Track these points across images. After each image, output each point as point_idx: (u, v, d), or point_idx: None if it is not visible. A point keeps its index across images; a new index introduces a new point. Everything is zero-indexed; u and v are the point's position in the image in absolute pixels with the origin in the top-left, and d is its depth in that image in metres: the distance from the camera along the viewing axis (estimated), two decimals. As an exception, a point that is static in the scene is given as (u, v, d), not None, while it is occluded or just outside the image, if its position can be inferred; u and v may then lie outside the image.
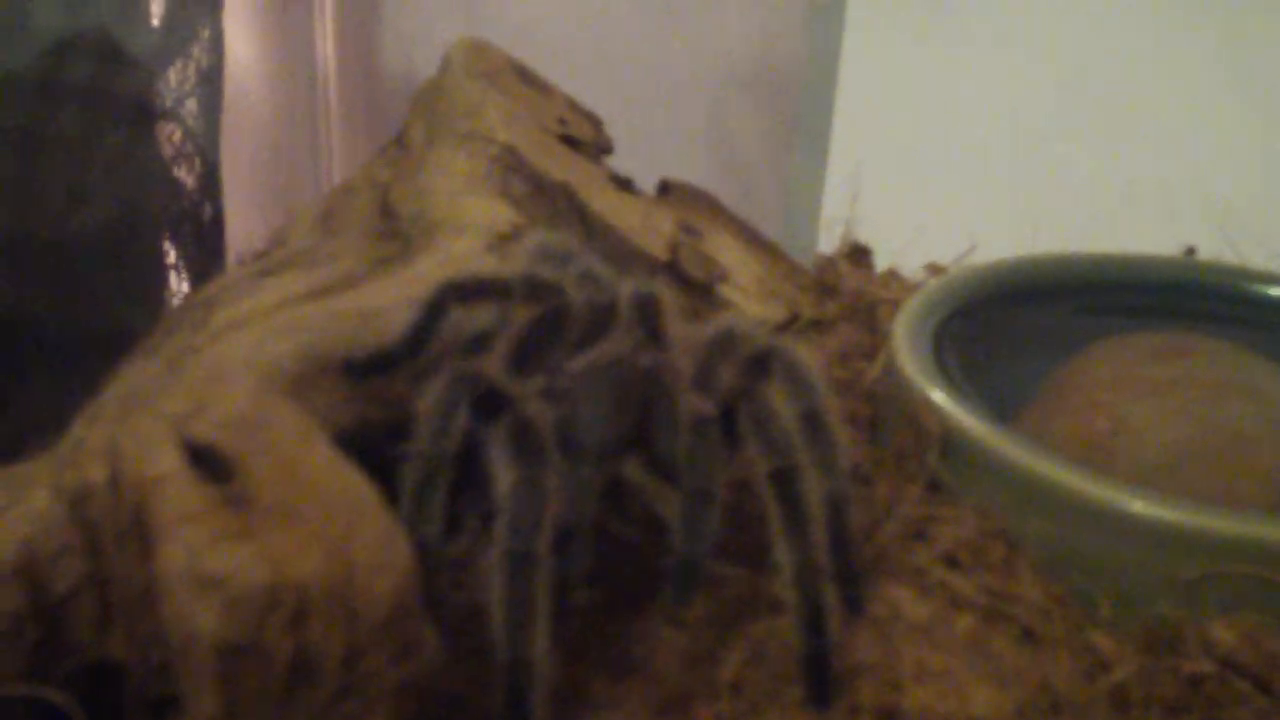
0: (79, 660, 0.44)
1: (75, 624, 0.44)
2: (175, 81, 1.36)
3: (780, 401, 0.54)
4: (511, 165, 0.76)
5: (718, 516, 0.50)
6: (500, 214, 0.72)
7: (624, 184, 0.83)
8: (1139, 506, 0.55)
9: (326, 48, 1.54)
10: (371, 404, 0.56)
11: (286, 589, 0.42)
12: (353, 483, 0.47)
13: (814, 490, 0.51)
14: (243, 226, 1.37)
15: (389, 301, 0.62)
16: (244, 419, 0.48)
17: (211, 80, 1.38)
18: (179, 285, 1.33)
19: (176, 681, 0.43)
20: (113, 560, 0.45)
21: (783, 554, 0.50)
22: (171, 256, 1.34)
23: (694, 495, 0.50)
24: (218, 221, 1.37)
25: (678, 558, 0.50)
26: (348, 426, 0.54)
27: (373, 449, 0.52)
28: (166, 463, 0.45)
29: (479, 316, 0.60)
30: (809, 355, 0.57)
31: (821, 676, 0.50)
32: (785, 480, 0.51)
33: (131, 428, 0.48)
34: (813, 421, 0.54)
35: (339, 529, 0.45)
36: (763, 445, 0.52)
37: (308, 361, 0.56)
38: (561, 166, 0.79)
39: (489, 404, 0.52)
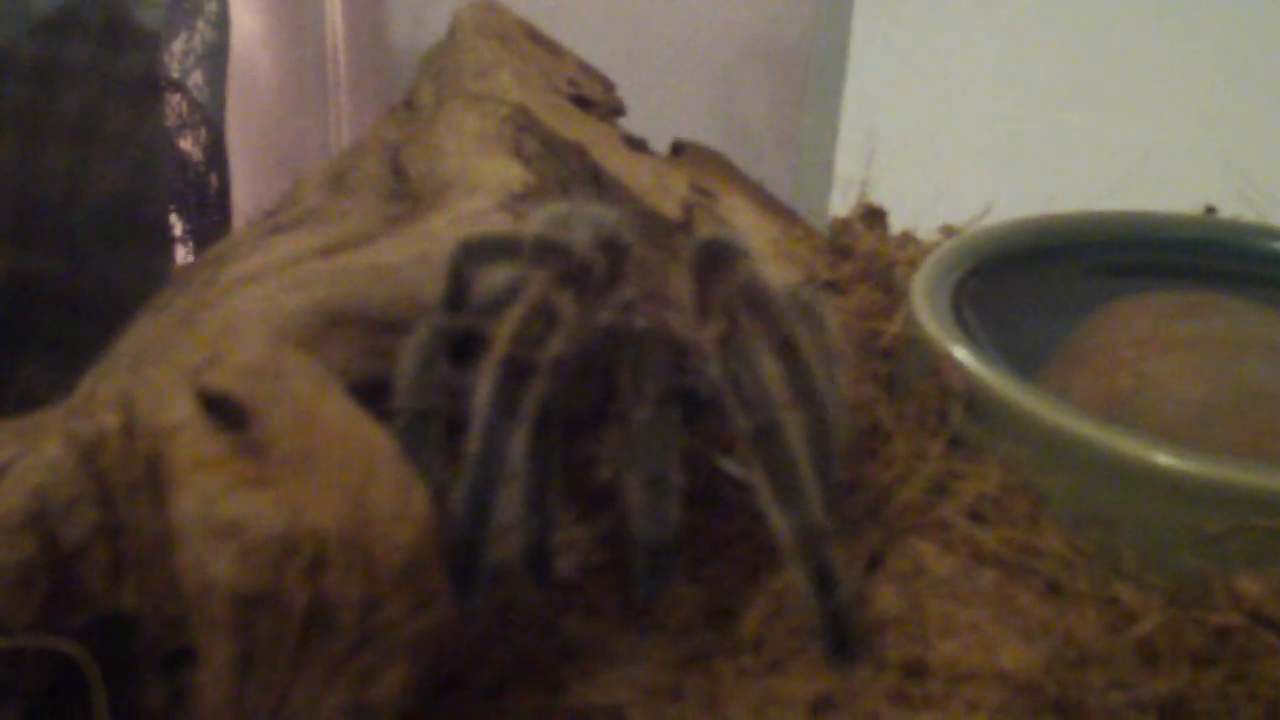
0: (91, 612, 0.43)
1: (87, 575, 0.43)
2: (180, 53, 1.35)
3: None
4: (523, 124, 0.75)
5: (678, 503, 0.48)
6: (512, 173, 0.71)
7: (636, 144, 0.83)
8: (1164, 459, 0.54)
9: (335, 17, 1.53)
10: (385, 359, 0.55)
11: (303, 536, 0.42)
12: (369, 432, 0.46)
13: (800, 443, 0.49)
14: (250, 197, 1.37)
15: (401, 258, 0.61)
16: (259, 368, 0.47)
17: (217, 51, 1.37)
18: (186, 257, 1.33)
19: (191, 632, 0.43)
20: (126, 510, 0.44)
21: (777, 519, 0.48)
22: (178, 229, 1.34)
23: (648, 482, 0.48)
24: (224, 193, 1.36)
25: (638, 550, 0.48)
26: (361, 380, 0.54)
27: (386, 403, 0.51)
28: (181, 411, 0.45)
29: (495, 279, 0.59)
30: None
31: (840, 635, 0.49)
32: (768, 438, 0.48)
33: (145, 378, 0.47)
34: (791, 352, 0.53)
35: (356, 477, 0.44)
36: (739, 401, 0.49)
37: (321, 315, 0.55)
38: (573, 126, 0.78)
39: (470, 348, 0.51)
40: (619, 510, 0.54)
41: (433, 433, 0.50)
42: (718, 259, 0.58)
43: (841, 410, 0.56)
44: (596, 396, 0.52)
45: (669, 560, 0.48)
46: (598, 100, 0.84)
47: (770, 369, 0.50)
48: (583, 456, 0.52)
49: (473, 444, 0.48)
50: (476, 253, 0.58)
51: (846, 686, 0.48)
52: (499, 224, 0.66)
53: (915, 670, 0.49)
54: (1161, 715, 0.48)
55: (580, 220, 0.60)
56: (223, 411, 0.45)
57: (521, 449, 0.48)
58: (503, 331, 0.49)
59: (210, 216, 1.36)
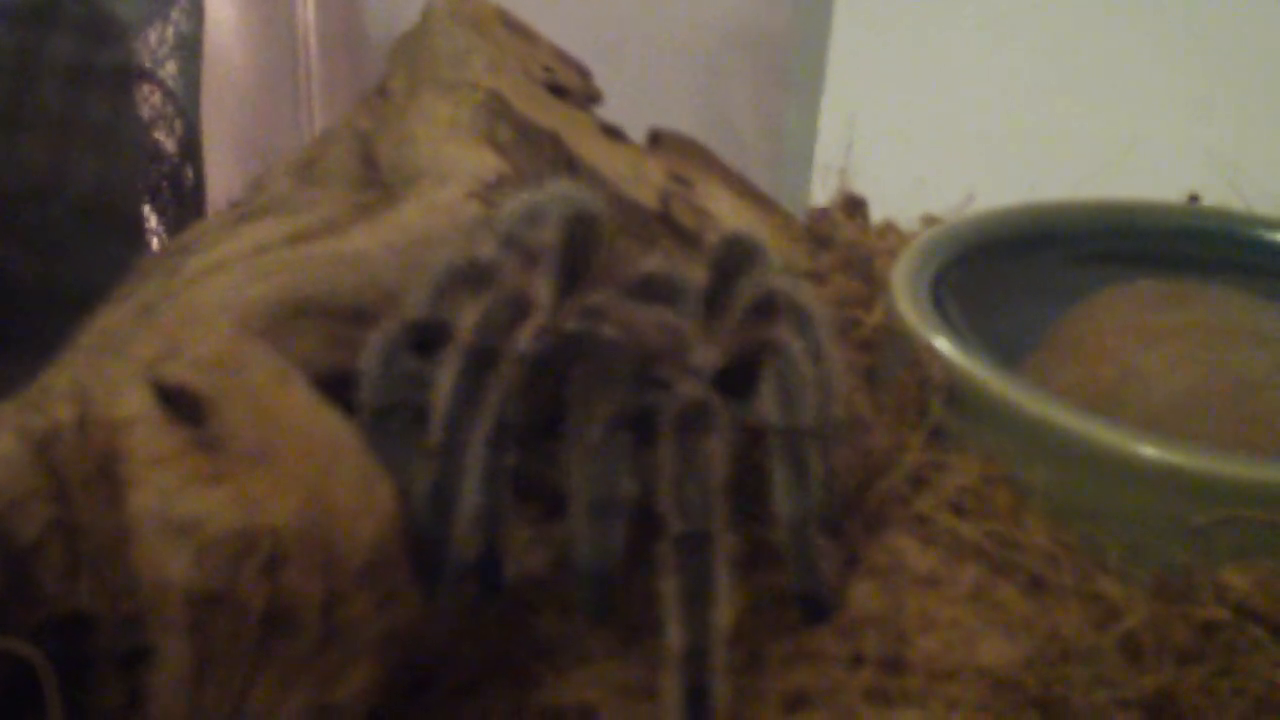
0: (46, 612, 0.42)
1: (42, 574, 0.42)
2: (154, 44, 1.34)
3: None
4: (497, 112, 0.74)
5: (622, 530, 0.46)
6: (485, 161, 0.70)
7: (613, 133, 0.81)
8: (1149, 451, 0.53)
9: (307, 8, 1.52)
10: (352, 349, 0.54)
11: (261, 533, 0.41)
12: (332, 425, 0.45)
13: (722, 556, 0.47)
14: (225, 189, 1.35)
15: (370, 247, 0.60)
16: (218, 360, 0.46)
17: (191, 42, 1.36)
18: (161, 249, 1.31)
19: (148, 632, 0.41)
20: (81, 506, 0.42)
21: (673, 628, 0.45)
22: (152, 221, 1.32)
23: (593, 509, 0.46)
24: (199, 185, 1.35)
25: (581, 574, 0.46)
26: (327, 372, 0.52)
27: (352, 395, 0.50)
28: (136, 404, 0.43)
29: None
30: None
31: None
32: (693, 547, 0.46)
33: (100, 370, 0.46)
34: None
35: (317, 472, 0.43)
36: (675, 500, 0.46)
37: (285, 305, 0.54)
38: (548, 114, 0.77)
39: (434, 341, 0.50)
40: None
41: (398, 429, 0.49)
42: (740, 259, 0.58)
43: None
44: (551, 406, 0.50)
45: (611, 586, 0.46)
46: (574, 88, 0.82)
47: (720, 469, 0.48)
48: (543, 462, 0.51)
49: (435, 435, 0.46)
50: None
51: (823, 683, 0.47)
52: (471, 213, 0.64)
53: (894, 667, 0.48)
54: (1147, 712, 0.47)
55: (552, 202, 0.59)
56: (180, 404, 0.44)
57: (479, 446, 0.46)
58: (468, 319, 0.48)
59: (185, 210, 1.34)
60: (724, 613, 0.45)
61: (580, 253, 0.57)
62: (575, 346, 0.51)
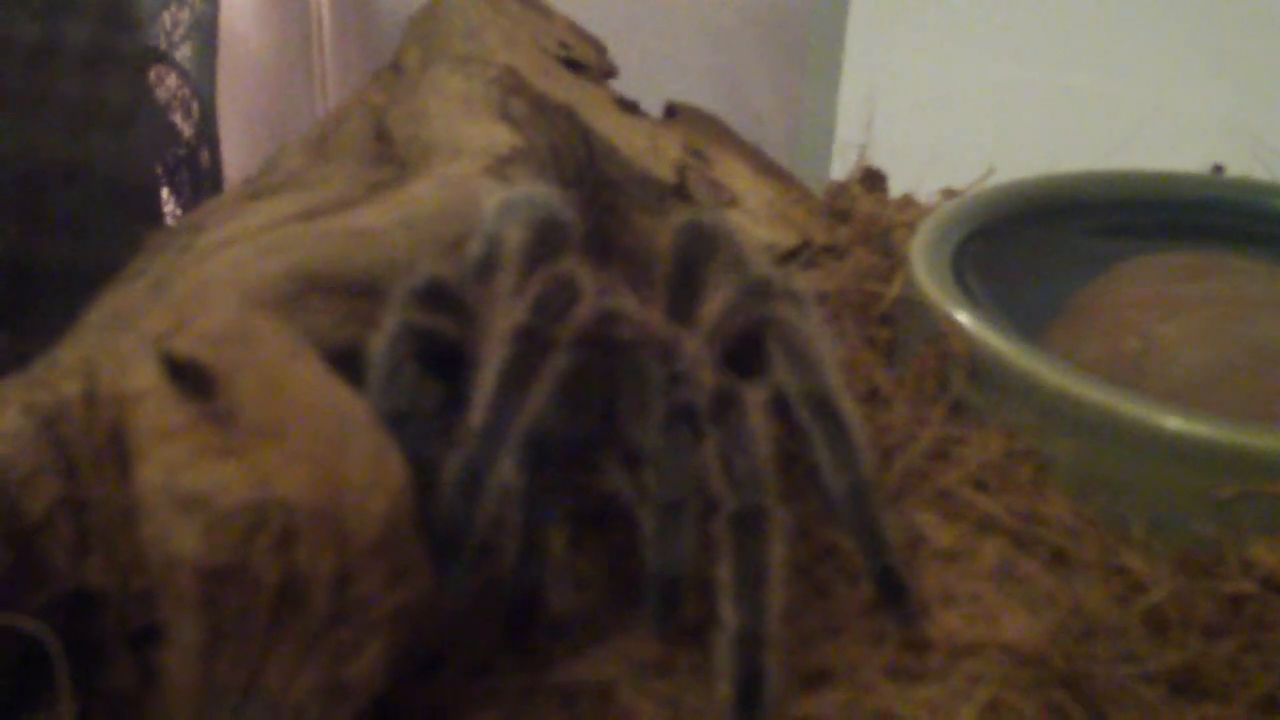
0: (55, 588, 0.42)
1: (50, 549, 0.42)
2: (170, 27, 1.33)
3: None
4: (511, 86, 0.73)
5: (693, 528, 0.46)
6: (499, 136, 0.69)
7: (629, 107, 0.81)
8: (1173, 423, 0.52)
9: (321, -15, 1.52)
10: (364, 324, 0.53)
11: (272, 508, 0.40)
12: (343, 399, 0.44)
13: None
14: (241, 171, 1.35)
15: (383, 223, 0.59)
16: (228, 334, 0.45)
17: (206, 25, 1.36)
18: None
19: (157, 609, 0.41)
20: (89, 481, 0.42)
21: (727, 610, 0.45)
22: (170, 204, 1.32)
23: (665, 509, 0.46)
24: (215, 167, 1.34)
25: (653, 577, 0.46)
26: (339, 347, 0.52)
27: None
28: (144, 378, 0.43)
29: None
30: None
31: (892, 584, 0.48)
32: (749, 524, 0.46)
33: (109, 344, 0.45)
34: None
35: (328, 446, 0.42)
36: (726, 478, 0.46)
37: (297, 280, 0.53)
38: (563, 88, 0.76)
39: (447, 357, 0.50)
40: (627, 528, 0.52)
41: (408, 434, 0.49)
42: (701, 246, 0.57)
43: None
44: (592, 417, 0.49)
45: (682, 589, 0.46)
46: (589, 62, 0.82)
47: (764, 446, 0.47)
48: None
49: (476, 415, 0.46)
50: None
51: (844, 659, 0.47)
52: (484, 188, 0.64)
53: (915, 643, 0.47)
54: (1172, 687, 0.46)
55: (517, 205, 0.58)
56: (189, 378, 0.43)
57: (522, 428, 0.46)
58: (525, 300, 0.48)
59: (202, 191, 1.34)
60: (779, 593, 0.45)
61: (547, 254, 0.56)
62: (601, 352, 0.50)
